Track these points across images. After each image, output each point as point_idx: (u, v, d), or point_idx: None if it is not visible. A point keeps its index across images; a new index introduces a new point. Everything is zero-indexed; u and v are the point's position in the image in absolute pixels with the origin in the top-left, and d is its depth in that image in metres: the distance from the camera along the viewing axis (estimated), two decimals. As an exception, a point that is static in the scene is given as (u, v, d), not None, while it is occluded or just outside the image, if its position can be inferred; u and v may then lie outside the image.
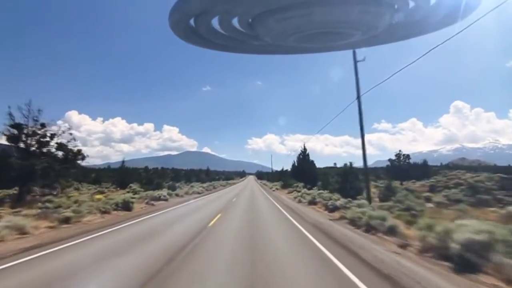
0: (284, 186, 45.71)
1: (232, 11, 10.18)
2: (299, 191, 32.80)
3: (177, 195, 26.70)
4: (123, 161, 42.73)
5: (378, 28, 11.16)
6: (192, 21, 10.56)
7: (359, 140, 14.52)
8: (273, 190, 41.62)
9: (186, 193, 30.51)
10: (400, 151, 39.33)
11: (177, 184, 43.40)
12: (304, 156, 35.51)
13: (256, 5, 9.51)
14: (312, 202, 20.43)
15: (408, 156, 38.55)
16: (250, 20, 11.17)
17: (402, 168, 38.19)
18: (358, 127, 14.38)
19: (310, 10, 9.83)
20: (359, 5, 9.65)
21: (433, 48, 10.23)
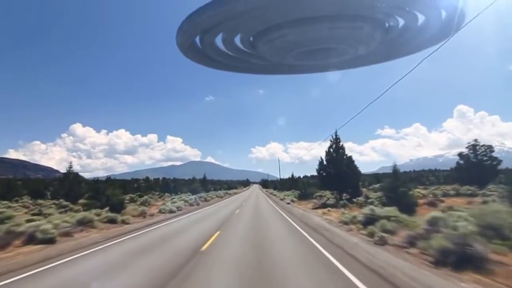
0: (301, 197, 32.81)
1: (235, 28, 22.91)
2: (329, 204, 20.07)
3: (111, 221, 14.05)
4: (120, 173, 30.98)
5: (370, 45, 25.23)
6: (198, 41, 25.24)
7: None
8: (287, 203, 28.88)
9: (141, 215, 17.88)
10: (476, 140, 26.39)
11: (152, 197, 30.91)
12: (337, 153, 22.83)
13: (257, 22, 22.01)
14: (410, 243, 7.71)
15: (490, 148, 25.55)
16: (251, 39, 25.03)
17: (482, 167, 25.21)
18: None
19: (306, 27, 22.51)
20: (352, 22, 22.24)
21: (427, 56, 10.89)
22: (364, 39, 25.67)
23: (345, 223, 12.35)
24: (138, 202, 27.49)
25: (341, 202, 20.24)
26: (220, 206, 28.20)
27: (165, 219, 16.66)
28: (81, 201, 24.78)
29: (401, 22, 23.57)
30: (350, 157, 22.75)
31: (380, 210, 11.22)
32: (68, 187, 27.89)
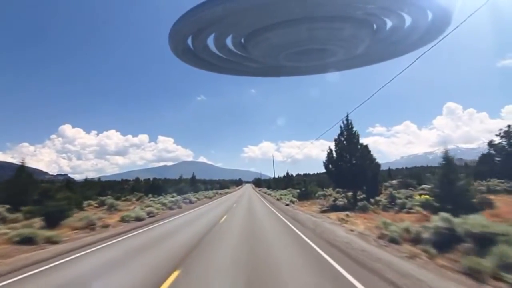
0: (302, 197, 28.15)
1: (225, 30, 19.36)
2: (341, 206, 15.51)
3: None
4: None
5: (358, 47, 21.19)
6: (190, 44, 20.80)
7: None
8: (286, 204, 24.22)
9: (89, 227, 12.92)
10: (509, 126, 22.14)
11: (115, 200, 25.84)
12: (350, 142, 18.23)
13: (246, 24, 18.45)
14: None
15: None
16: (242, 40, 21.41)
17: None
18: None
19: (295, 28, 18.73)
20: (340, 23, 18.58)
21: (417, 58, 11.65)
22: (352, 40, 24.91)
23: (393, 240, 7.69)
24: (105, 207, 22.40)
25: (358, 203, 15.57)
26: (205, 209, 23.27)
27: (119, 233, 11.67)
28: (28, 207, 19.58)
29: (389, 23, 22.86)
30: (366, 146, 18.16)
31: (459, 221, 6.60)
32: (18, 189, 22.61)
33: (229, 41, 25.74)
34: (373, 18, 23.11)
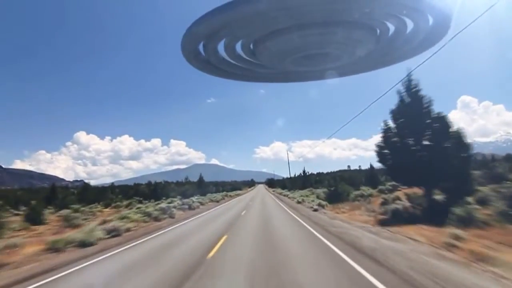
0: (333, 198, 21.46)
1: (235, 35, 23.97)
2: (411, 215, 9.03)
3: None
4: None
5: (364, 51, 26.28)
6: (202, 51, 26.05)
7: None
8: (314, 209, 17.69)
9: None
10: None
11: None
12: (416, 113, 11.57)
13: (255, 29, 22.67)
14: None
15: None
16: (251, 46, 26.07)
17: None
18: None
19: (302, 33, 23.09)
20: (344, 28, 22.75)
21: (426, 60, 11.83)
22: (357, 44, 25.75)
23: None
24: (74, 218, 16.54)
25: (457, 210, 8.87)
26: (202, 220, 16.94)
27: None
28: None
29: (392, 28, 25.02)
30: (444, 118, 11.42)
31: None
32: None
33: (238, 48, 27.34)
34: (376, 23, 24.32)
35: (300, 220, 13.90)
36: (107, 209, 29.95)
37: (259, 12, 21.30)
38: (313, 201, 23.96)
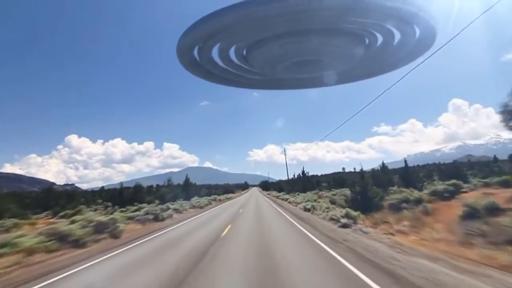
0: (361, 205, 14.56)
1: (228, 40, 24.38)
2: None
3: None
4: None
5: (353, 59, 27.08)
6: (197, 56, 26.58)
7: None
8: (342, 225, 10.86)
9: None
10: None
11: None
12: None
13: (247, 35, 23.70)
14: None
15: None
16: (244, 52, 26.80)
17: None
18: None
19: (293, 39, 23.89)
20: (334, 36, 23.89)
21: (414, 68, 13.79)
22: (346, 52, 26.50)
23: None
24: None
25: None
26: (160, 243, 9.98)
27: None
28: None
29: (380, 39, 25.88)
30: None
31: None
32: None
33: (232, 54, 27.85)
34: (365, 33, 24.82)
35: (334, 254, 7.00)
36: (45, 219, 22.79)
37: (255, 18, 21.84)
38: (327, 208, 17.19)
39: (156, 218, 18.28)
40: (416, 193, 13.83)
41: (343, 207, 16.87)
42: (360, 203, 14.83)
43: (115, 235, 12.34)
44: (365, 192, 14.78)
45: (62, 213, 23.70)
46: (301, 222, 13.78)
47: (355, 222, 11.24)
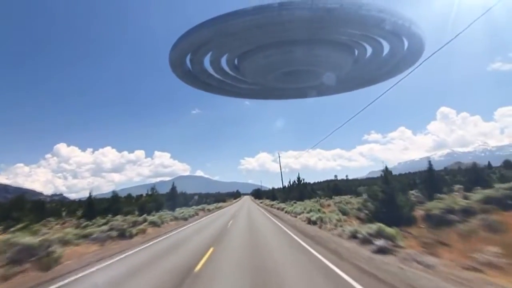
0: (384, 218, 11.06)
1: (219, 50, 25.63)
2: None
3: None
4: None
5: (342, 69, 28.41)
6: (189, 65, 28.06)
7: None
8: (378, 250, 7.38)
9: None
10: None
11: None
12: None
13: (237, 45, 24.85)
14: None
15: None
16: (236, 62, 28.60)
17: None
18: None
19: (277, 50, 25.22)
20: (318, 46, 24.81)
21: (404, 77, 14.08)
22: (335, 63, 27.25)
23: None
24: None
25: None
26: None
27: None
28: None
29: (369, 50, 27.30)
30: None
31: None
32: None
33: (224, 63, 28.66)
34: (354, 44, 26.44)
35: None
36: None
37: (235, 30, 21.85)
38: (339, 221, 13.66)
39: (122, 235, 14.35)
40: (461, 201, 10.43)
41: (360, 219, 13.43)
42: (384, 214, 11.35)
43: (45, 265, 8.47)
44: (392, 200, 11.31)
45: (17, 227, 19.43)
46: (314, 243, 10.07)
47: (394, 244, 7.72)
